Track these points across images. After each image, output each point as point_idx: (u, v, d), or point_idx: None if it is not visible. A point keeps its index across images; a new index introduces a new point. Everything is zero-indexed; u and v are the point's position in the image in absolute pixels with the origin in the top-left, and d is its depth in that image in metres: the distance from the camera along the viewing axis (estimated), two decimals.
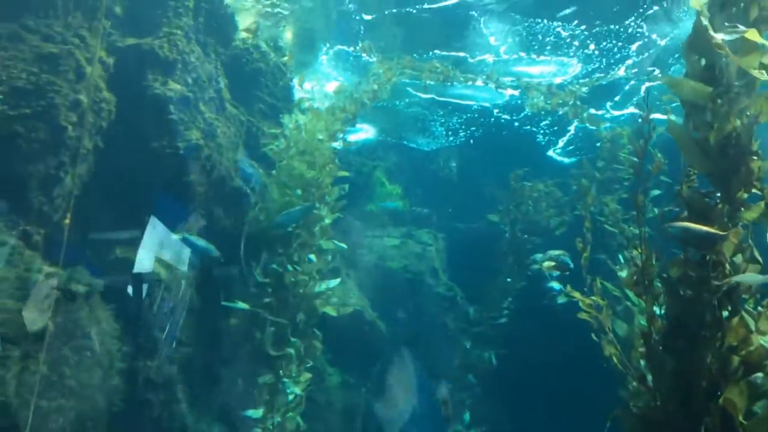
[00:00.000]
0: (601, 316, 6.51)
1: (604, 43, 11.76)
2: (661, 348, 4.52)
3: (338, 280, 9.17)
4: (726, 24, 3.84)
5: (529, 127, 15.84)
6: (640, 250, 4.76)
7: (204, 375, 8.08)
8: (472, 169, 16.88)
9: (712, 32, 3.80)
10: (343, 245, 9.07)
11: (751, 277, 4.45)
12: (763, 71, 3.76)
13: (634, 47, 11.64)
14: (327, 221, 8.71)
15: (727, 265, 4.64)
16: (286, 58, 9.56)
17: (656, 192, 8.70)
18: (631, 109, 14.66)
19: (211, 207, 7.87)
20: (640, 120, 4.83)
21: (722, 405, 4.30)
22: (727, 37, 3.75)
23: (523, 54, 12.22)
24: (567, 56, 12.24)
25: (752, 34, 3.76)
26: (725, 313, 4.56)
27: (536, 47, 11.96)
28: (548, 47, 11.90)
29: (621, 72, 12.74)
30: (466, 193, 16.18)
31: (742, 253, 4.71)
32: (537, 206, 13.90)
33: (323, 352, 9.33)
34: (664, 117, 6.03)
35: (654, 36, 11.18)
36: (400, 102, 14.86)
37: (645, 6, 10.32)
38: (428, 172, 17.16)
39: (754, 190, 4.58)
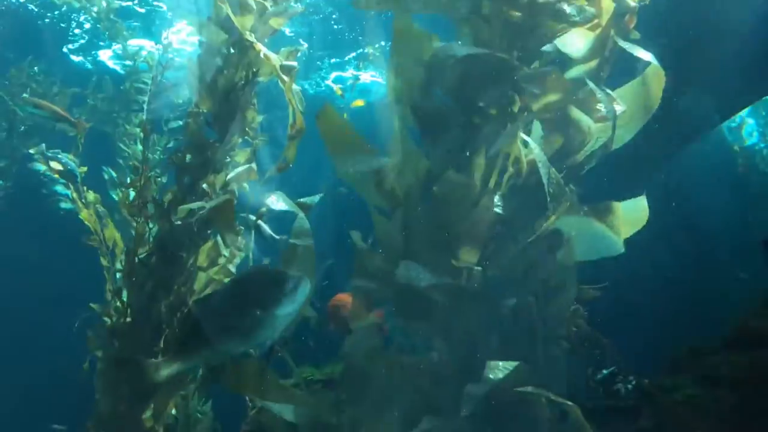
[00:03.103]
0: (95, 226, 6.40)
1: None
2: (139, 266, 4.77)
3: None
4: None
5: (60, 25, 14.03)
6: (141, 175, 4.87)
7: None
8: None
9: None
10: None
11: None
12: (252, 33, 4.30)
13: None
14: None
15: (213, 195, 5.20)
16: None
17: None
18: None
19: None
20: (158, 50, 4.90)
21: (183, 318, 4.92)
22: None
23: None
24: None
25: None
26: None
27: None
28: None
29: None
30: None
31: (226, 186, 5.36)
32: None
33: None
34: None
35: None
36: None
37: None
38: None
39: (246, 137, 5.27)
